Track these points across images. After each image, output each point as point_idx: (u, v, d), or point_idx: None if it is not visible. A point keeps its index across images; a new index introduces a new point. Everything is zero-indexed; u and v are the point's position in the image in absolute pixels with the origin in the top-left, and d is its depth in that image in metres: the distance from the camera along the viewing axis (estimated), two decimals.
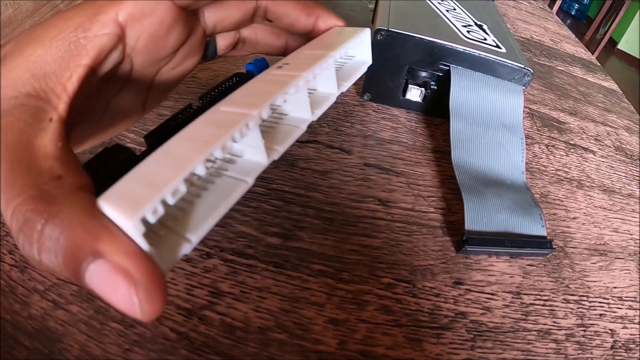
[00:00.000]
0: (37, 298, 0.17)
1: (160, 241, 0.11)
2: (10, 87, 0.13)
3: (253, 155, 0.14)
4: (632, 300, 0.21)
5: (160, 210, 0.10)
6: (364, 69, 0.20)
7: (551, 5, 1.87)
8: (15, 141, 0.12)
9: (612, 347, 0.19)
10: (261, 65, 0.19)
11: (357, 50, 0.20)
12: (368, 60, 0.20)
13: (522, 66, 0.26)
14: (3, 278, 0.17)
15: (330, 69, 0.17)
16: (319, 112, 0.16)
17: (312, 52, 0.17)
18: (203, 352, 0.16)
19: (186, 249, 0.11)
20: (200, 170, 0.11)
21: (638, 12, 2.31)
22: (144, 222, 0.10)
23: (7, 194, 0.11)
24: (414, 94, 0.27)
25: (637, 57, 2.43)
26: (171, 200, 0.10)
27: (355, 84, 0.31)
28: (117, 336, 0.16)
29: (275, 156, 0.14)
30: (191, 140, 0.12)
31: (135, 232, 0.10)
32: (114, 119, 0.19)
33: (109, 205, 0.10)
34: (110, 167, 0.13)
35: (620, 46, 2.52)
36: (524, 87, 0.26)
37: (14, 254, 0.18)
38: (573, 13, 2.90)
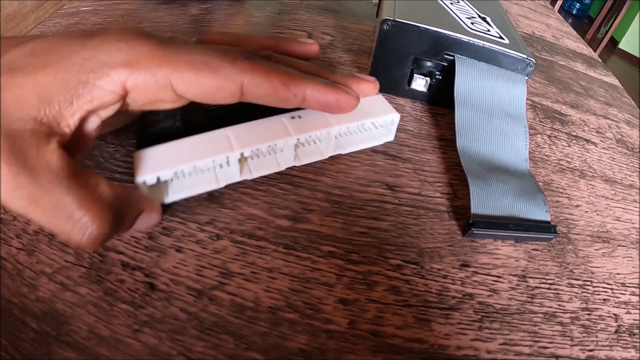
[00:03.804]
0: (44, 281, 0.17)
1: (155, 188, 0.19)
2: (19, 106, 0.14)
3: (233, 169, 0.20)
4: (635, 287, 0.22)
5: (154, 181, 0.17)
6: (377, 144, 0.23)
7: (553, 4, 1.88)
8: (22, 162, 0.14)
9: (616, 332, 0.19)
10: None
11: (385, 130, 0.23)
12: (389, 138, 0.24)
13: (525, 56, 0.26)
14: (10, 261, 0.17)
15: (329, 139, 0.21)
16: (302, 162, 0.22)
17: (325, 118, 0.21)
18: (213, 332, 0.16)
19: (165, 199, 0.19)
20: (188, 170, 0.18)
21: (639, 11, 2.31)
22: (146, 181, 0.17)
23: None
24: (419, 83, 0.28)
25: (638, 56, 2.44)
26: (162, 179, 0.18)
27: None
28: (126, 317, 0.16)
29: (247, 177, 0.20)
30: (196, 147, 0.18)
31: (141, 184, 0.17)
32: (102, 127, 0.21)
33: (135, 158, 0.18)
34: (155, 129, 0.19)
35: (621, 45, 2.52)
36: (526, 77, 0.27)
37: (21, 238, 0.18)
38: (574, 12, 2.89)
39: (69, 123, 0.15)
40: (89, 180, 0.15)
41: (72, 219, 0.14)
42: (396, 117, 0.22)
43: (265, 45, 0.21)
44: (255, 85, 0.17)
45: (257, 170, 0.20)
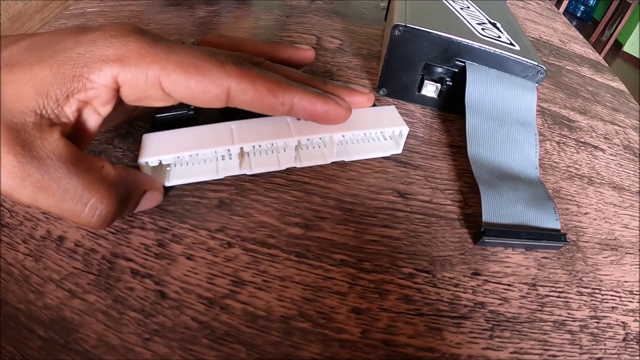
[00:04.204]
0: (52, 287, 0.17)
1: (158, 171, 0.20)
2: (17, 100, 0.14)
3: (234, 162, 0.20)
4: None
5: (155, 163, 0.19)
6: (384, 155, 0.24)
7: (557, 7, 1.88)
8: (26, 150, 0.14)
9: (624, 340, 0.19)
10: None
11: (393, 142, 0.24)
12: (397, 150, 0.24)
13: (536, 63, 0.26)
14: (17, 267, 0.17)
15: (332, 145, 0.21)
16: (304, 164, 0.22)
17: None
18: (225, 342, 0.16)
19: (166, 183, 0.20)
20: (189, 157, 0.19)
21: None
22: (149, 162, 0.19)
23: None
24: (430, 89, 0.27)
25: None
26: (164, 162, 0.19)
27: (371, 79, 0.31)
28: (136, 325, 0.16)
29: (247, 171, 0.21)
30: (200, 137, 0.19)
31: (143, 164, 0.19)
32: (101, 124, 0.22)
33: (143, 140, 0.19)
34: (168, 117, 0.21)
35: (625, 48, 2.51)
36: (537, 84, 0.27)
37: (28, 243, 0.18)
38: (579, 15, 2.89)
39: (67, 114, 0.15)
40: (94, 164, 0.16)
41: (81, 202, 0.15)
42: (405, 129, 0.22)
43: (261, 50, 0.21)
44: (241, 91, 0.17)
45: (257, 166, 0.21)
